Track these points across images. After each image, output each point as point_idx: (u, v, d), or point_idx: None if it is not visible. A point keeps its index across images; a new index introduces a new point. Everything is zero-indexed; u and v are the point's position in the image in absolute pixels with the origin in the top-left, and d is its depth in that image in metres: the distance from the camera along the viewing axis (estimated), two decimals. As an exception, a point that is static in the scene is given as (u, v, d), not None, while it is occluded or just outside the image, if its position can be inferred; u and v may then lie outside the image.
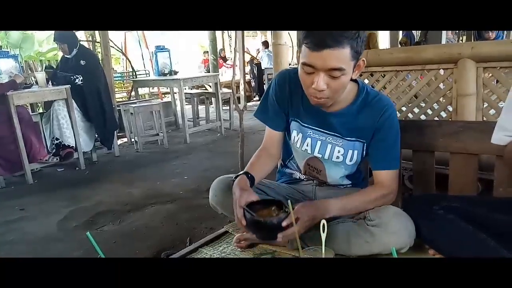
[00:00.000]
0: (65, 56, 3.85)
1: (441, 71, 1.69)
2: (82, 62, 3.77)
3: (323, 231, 0.99)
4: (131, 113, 4.51)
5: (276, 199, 1.23)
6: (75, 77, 3.73)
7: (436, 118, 1.74)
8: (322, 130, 1.26)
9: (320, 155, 1.27)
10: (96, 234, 2.33)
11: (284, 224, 1.04)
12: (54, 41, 3.94)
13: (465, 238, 0.98)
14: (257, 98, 8.53)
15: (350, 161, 1.25)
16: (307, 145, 1.28)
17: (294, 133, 1.30)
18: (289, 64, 2.41)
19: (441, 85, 1.70)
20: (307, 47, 1.02)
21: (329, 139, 1.25)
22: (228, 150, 4.26)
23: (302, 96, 1.24)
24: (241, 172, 1.22)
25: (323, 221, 0.99)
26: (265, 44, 8.58)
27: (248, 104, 7.61)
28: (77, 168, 3.82)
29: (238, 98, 6.93)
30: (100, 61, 4.48)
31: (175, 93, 5.99)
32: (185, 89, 5.11)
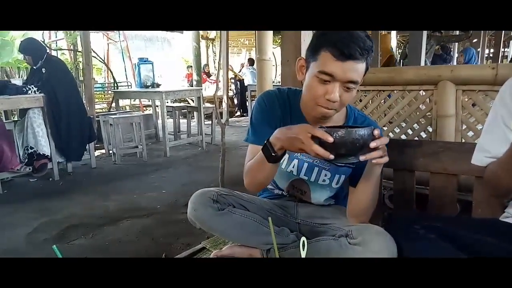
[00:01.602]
0: (33, 67, 3.74)
1: (422, 92, 1.72)
2: (43, 70, 3.62)
3: (303, 249, 0.96)
4: (111, 124, 4.41)
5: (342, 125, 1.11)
6: (28, 88, 3.53)
7: (416, 138, 1.76)
8: None
9: (306, 178, 1.24)
10: (67, 248, 2.22)
11: (376, 132, 0.90)
12: (18, 51, 3.79)
13: (446, 257, 0.97)
14: (238, 113, 8.54)
15: (337, 184, 1.23)
16: (293, 167, 1.24)
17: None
18: (273, 82, 2.41)
19: (422, 106, 1.72)
20: (331, 55, 0.99)
21: (316, 161, 1.22)
22: (208, 165, 4.20)
23: (290, 116, 1.21)
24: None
25: (303, 239, 0.96)
26: (250, 61, 8.65)
27: (230, 119, 7.60)
28: (50, 179, 3.68)
29: (221, 113, 6.93)
30: (69, 69, 4.29)
31: (157, 106, 5.93)
32: (167, 102, 5.06)
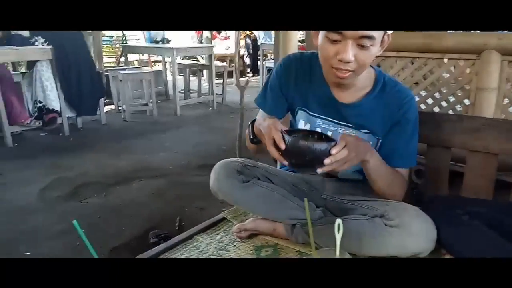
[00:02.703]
0: None
1: (462, 62, 1.59)
2: None
3: (338, 232, 0.89)
4: (120, 80, 4.29)
5: (313, 130, 1.10)
6: (34, 39, 3.39)
7: (450, 111, 1.65)
8: (333, 120, 1.15)
9: None
10: (80, 206, 2.20)
11: (334, 151, 0.87)
12: None
13: (492, 248, 0.90)
14: (250, 74, 8.32)
15: None
16: None
17: (301, 123, 1.19)
18: (298, 42, 2.25)
19: (460, 77, 1.60)
20: None
21: (340, 129, 1.14)
22: (220, 126, 4.12)
23: (310, 83, 1.13)
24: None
25: (339, 221, 0.89)
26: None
27: (241, 79, 7.41)
28: (60, 134, 3.64)
29: (231, 72, 6.75)
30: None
31: (166, 62, 5.75)
32: (177, 59, 4.90)
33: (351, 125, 1.13)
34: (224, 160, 1.21)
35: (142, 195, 2.38)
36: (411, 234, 0.97)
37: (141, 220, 2.04)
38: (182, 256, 1.15)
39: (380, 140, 1.13)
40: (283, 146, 0.89)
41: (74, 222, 0.75)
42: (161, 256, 1.15)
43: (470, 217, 0.97)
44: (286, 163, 0.92)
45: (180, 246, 1.21)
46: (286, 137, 0.90)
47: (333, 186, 1.25)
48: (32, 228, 1.96)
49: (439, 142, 1.35)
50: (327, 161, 0.88)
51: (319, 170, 0.91)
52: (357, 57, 0.94)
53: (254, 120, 1.10)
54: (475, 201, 1.11)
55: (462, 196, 1.20)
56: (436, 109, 1.69)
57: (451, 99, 1.65)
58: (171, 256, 1.15)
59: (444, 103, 1.66)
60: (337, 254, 0.88)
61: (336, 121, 1.14)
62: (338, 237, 0.88)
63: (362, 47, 0.93)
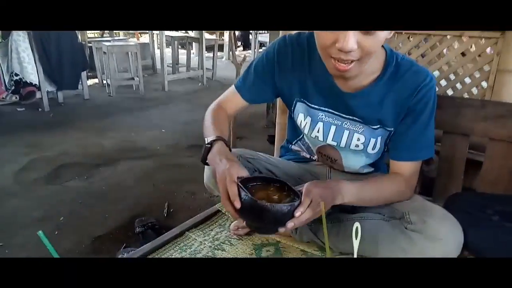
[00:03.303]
0: None
1: (482, 40, 1.44)
2: None
3: (356, 237, 0.76)
4: (104, 52, 4.04)
5: (275, 178, 0.93)
6: None
7: (465, 95, 1.51)
8: (337, 113, 0.98)
9: (334, 143, 1.01)
10: (60, 190, 2.04)
11: (297, 214, 0.76)
12: None
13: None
14: (241, 48, 8.04)
15: (373, 149, 1.00)
16: (317, 131, 1.01)
17: (300, 117, 1.03)
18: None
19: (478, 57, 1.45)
20: None
21: (346, 124, 0.98)
22: (210, 103, 3.92)
23: (310, 70, 0.96)
24: (212, 137, 0.92)
25: (357, 224, 0.76)
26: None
27: (237, 54, 7.15)
28: (39, 110, 3.42)
29: (222, 46, 6.47)
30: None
31: (154, 34, 5.45)
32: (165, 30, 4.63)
33: (358, 119, 0.97)
34: None
35: (128, 178, 2.22)
36: (436, 241, 0.85)
37: (126, 206, 1.90)
38: (173, 257, 1.01)
39: (392, 132, 0.97)
40: (238, 205, 0.76)
41: (40, 233, 0.62)
42: (149, 257, 1.02)
43: (501, 218, 0.85)
44: (242, 221, 0.83)
45: (170, 244, 1.07)
46: (243, 193, 0.76)
47: (340, 177, 1.12)
48: (6, 214, 1.79)
49: (458, 129, 1.22)
50: (290, 224, 0.77)
51: (280, 230, 0.79)
52: (361, 44, 0.76)
53: (211, 144, 0.91)
54: (506, 198, 0.99)
55: (487, 193, 1.07)
56: (450, 92, 1.55)
57: (467, 81, 1.51)
58: (160, 257, 1.01)
59: (459, 85, 1.52)
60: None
61: (341, 115, 0.98)
62: (356, 243, 0.76)
63: (367, 32, 0.76)
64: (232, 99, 1.07)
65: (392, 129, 0.96)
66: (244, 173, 0.82)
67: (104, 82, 4.29)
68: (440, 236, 0.84)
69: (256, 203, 0.74)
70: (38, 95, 3.36)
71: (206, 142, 0.92)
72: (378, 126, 0.96)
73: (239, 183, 0.77)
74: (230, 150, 0.92)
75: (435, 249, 0.85)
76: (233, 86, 1.07)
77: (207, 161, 0.92)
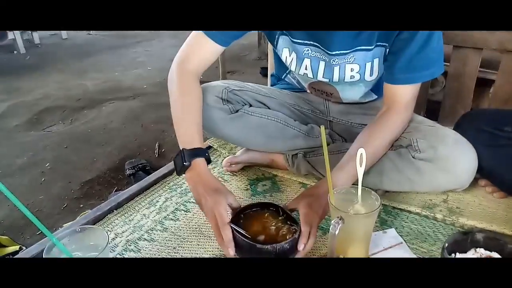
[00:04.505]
0: None
1: None
2: None
3: (361, 165, 0.68)
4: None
5: (267, 202, 0.77)
6: None
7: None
8: (324, 49, 0.84)
9: (326, 80, 0.89)
10: (43, 136, 1.94)
11: (301, 247, 0.66)
12: None
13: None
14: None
15: (371, 75, 0.87)
16: (305, 68, 0.89)
17: (285, 52, 0.89)
18: None
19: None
20: None
21: (334, 60, 0.84)
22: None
23: None
24: (190, 152, 0.76)
25: (361, 151, 0.67)
26: None
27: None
28: (15, 52, 3.20)
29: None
30: None
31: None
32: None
33: (347, 51, 0.82)
34: (204, 85, 0.91)
35: (115, 119, 2.11)
36: (447, 171, 0.77)
37: (115, 148, 1.81)
38: (161, 198, 0.94)
39: (388, 49, 0.82)
40: (232, 253, 0.65)
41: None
42: (137, 198, 0.94)
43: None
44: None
45: (159, 184, 0.99)
46: (238, 236, 0.66)
47: (340, 109, 1.01)
48: (-11, 163, 1.71)
49: (470, 43, 1.10)
50: (298, 256, 0.66)
51: None
52: None
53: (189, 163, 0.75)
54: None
55: (507, 109, 0.98)
56: None
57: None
58: (146, 198, 0.94)
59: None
60: (359, 191, 0.69)
61: (328, 51, 0.83)
62: (361, 170, 0.68)
63: None
64: (200, 49, 0.84)
65: (387, 44, 0.81)
66: (232, 200, 0.70)
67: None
68: (451, 166, 0.76)
69: (255, 247, 0.65)
70: (10, 35, 3.11)
71: (183, 156, 0.75)
72: (374, 45, 0.82)
73: (232, 226, 0.66)
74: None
75: (447, 180, 0.78)
76: (197, 32, 0.83)
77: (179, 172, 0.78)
